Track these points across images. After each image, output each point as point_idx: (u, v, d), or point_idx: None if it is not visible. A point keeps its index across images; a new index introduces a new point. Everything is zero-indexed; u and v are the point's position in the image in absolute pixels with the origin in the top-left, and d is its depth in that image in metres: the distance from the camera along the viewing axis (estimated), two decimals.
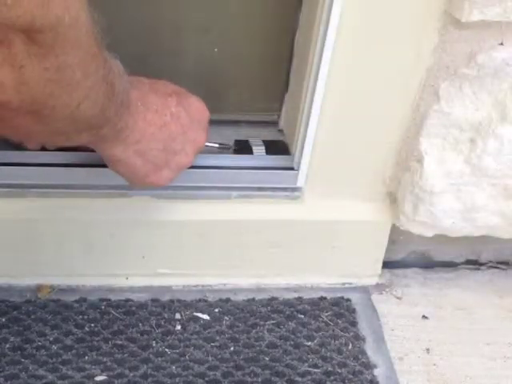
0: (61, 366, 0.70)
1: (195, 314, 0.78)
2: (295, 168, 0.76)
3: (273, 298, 0.81)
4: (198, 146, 0.67)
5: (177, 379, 0.71)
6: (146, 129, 0.61)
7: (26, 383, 0.68)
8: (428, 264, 0.90)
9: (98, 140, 0.57)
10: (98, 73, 0.48)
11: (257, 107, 0.81)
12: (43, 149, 0.72)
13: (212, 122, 0.68)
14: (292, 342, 0.76)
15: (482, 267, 0.91)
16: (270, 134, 0.80)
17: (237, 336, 0.76)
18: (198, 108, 0.66)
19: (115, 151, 0.60)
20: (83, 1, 0.42)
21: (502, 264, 0.92)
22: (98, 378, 0.70)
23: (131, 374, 0.70)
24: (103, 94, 0.50)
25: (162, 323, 0.76)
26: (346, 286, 0.85)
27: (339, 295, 0.83)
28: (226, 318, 0.78)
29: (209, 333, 0.76)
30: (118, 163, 0.62)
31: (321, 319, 0.79)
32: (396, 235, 0.84)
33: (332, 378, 0.73)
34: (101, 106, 0.50)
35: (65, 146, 0.59)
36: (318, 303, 0.81)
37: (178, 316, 0.77)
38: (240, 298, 0.81)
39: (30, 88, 0.42)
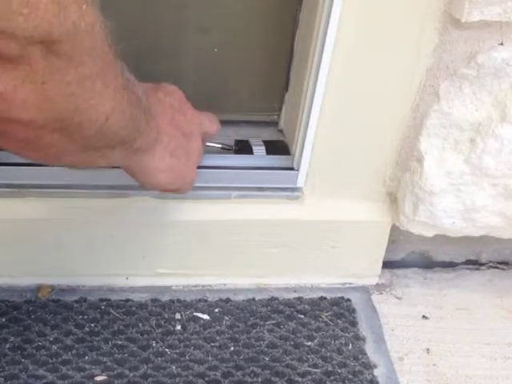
0: (61, 366, 0.70)
1: (195, 314, 0.78)
2: (295, 168, 0.76)
3: (273, 298, 0.81)
4: (199, 121, 0.67)
5: (177, 379, 0.71)
6: (166, 127, 0.60)
7: (26, 383, 0.68)
8: (428, 264, 0.90)
9: (133, 155, 0.54)
10: (118, 81, 0.46)
11: (257, 107, 0.81)
12: None
13: None
14: (292, 342, 0.76)
15: (482, 267, 0.91)
16: (269, 134, 0.80)
17: (237, 336, 0.76)
18: (175, 91, 0.66)
19: (155, 162, 0.58)
20: (97, 7, 0.41)
21: (502, 264, 0.92)
22: (98, 378, 0.70)
23: (131, 374, 0.70)
24: (128, 103, 0.48)
25: (162, 323, 0.76)
26: (346, 285, 0.85)
27: (339, 295, 0.83)
28: (226, 318, 0.78)
29: (209, 333, 0.76)
30: (162, 173, 0.60)
31: (321, 319, 0.79)
32: (396, 235, 0.84)
33: (332, 377, 0.73)
34: (129, 116, 0.49)
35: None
36: (318, 303, 0.81)
37: (178, 316, 0.77)
38: (240, 298, 0.81)
39: (53, 105, 0.41)
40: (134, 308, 0.77)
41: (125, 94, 0.47)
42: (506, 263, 0.92)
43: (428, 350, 0.78)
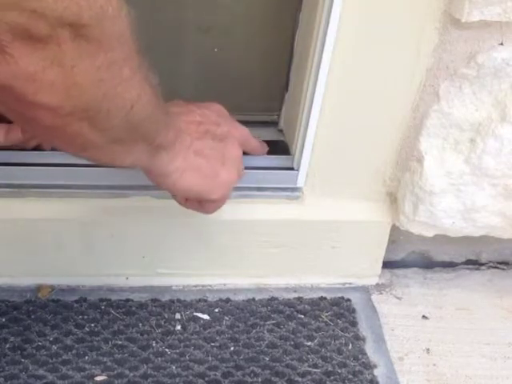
0: (61, 366, 0.70)
1: (195, 314, 0.78)
2: (295, 168, 0.76)
3: (273, 298, 0.81)
4: (237, 129, 0.67)
5: (177, 379, 0.71)
6: (188, 127, 0.60)
7: (26, 383, 0.68)
8: (428, 264, 0.90)
9: (155, 153, 0.54)
10: (142, 70, 0.46)
11: (257, 107, 0.81)
12: (43, 149, 0.72)
13: None
14: (292, 342, 0.76)
15: (482, 267, 0.91)
16: (269, 134, 0.80)
17: (237, 336, 0.76)
18: (212, 104, 0.67)
19: (178, 162, 0.57)
20: None
21: (502, 264, 0.92)
22: (98, 378, 0.70)
23: (131, 374, 0.70)
24: (151, 94, 0.48)
25: (162, 323, 0.76)
26: (346, 285, 0.85)
27: (339, 295, 0.83)
28: (226, 318, 0.78)
29: (209, 333, 0.76)
30: (185, 174, 0.59)
31: (321, 319, 0.79)
32: (396, 235, 0.84)
33: (332, 377, 0.73)
34: (152, 106, 0.49)
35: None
36: (318, 303, 0.81)
37: (178, 316, 0.77)
38: (240, 298, 0.81)
39: (83, 91, 0.40)
40: (133, 308, 0.77)
41: (147, 83, 0.47)
42: (506, 263, 0.92)
43: (428, 350, 0.78)
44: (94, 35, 0.39)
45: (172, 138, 0.56)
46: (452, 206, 0.76)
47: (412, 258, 0.89)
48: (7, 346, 0.72)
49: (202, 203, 0.65)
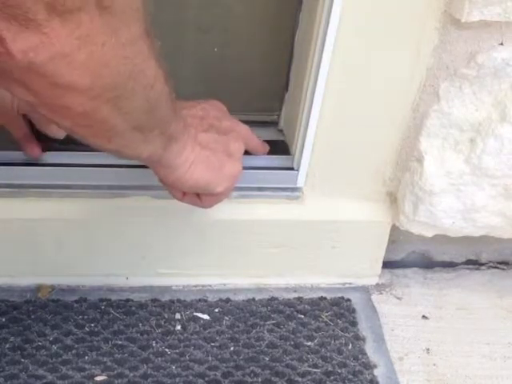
0: (61, 366, 0.70)
1: (195, 314, 0.78)
2: (295, 168, 0.76)
3: (273, 298, 0.81)
4: (238, 127, 0.68)
5: (177, 379, 0.71)
6: (193, 121, 0.61)
7: (26, 383, 0.68)
8: (428, 264, 0.90)
9: (168, 143, 0.55)
10: (155, 49, 0.46)
11: (257, 107, 0.81)
12: (44, 149, 0.72)
13: None
14: (292, 342, 0.76)
15: (482, 267, 0.91)
16: (269, 134, 0.80)
17: (237, 336, 0.76)
18: (215, 101, 0.68)
19: (187, 152, 0.58)
20: None
21: (502, 264, 0.91)
22: (98, 378, 0.70)
23: (131, 374, 0.70)
24: (163, 75, 0.48)
25: (162, 323, 0.76)
26: (346, 285, 0.85)
27: (339, 295, 0.83)
28: (226, 318, 0.78)
29: (209, 333, 0.76)
30: (193, 166, 0.59)
31: (321, 319, 0.79)
32: (396, 235, 0.84)
33: (332, 377, 0.73)
34: (167, 91, 0.49)
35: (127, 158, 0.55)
36: (318, 303, 0.81)
37: (178, 316, 0.77)
38: (240, 298, 0.81)
39: (111, 69, 0.40)
40: (133, 308, 0.77)
41: (159, 64, 0.47)
42: (506, 263, 0.92)
43: (428, 350, 0.78)
44: (118, 7, 0.39)
45: (181, 128, 0.57)
46: (452, 205, 0.76)
47: (412, 258, 0.89)
48: (7, 346, 0.72)
49: (201, 197, 0.65)
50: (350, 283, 0.85)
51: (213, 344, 0.75)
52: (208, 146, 0.61)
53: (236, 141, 0.66)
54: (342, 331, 0.78)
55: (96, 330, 0.74)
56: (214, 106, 0.66)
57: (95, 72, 0.40)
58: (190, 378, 0.71)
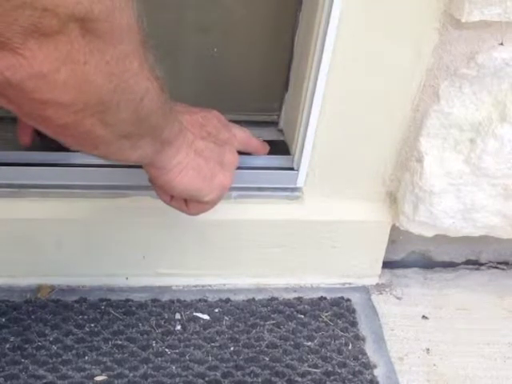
0: (61, 366, 0.70)
1: (195, 314, 0.78)
2: (295, 168, 0.76)
3: (273, 298, 0.81)
4: (234, 131, 0.68)
5: (177, 379, 0.71)
6: (192, 127, 0.61)
7: (26, 383, 0.68)
8: (428, 264, 0.90)
9: (160, 148, 0.54)
10: (149, 62, 0.46)
11: (257, 107, 0.81)
12: (44, 149, 0.72)
13: None
14: (292, 342, 0.76)
15: (482, 267, 0.91)
16: (270, 134, 0.80)
17: (237, 336, 0.76)
18: (211, 110, 0.67)
19: (180, 157, 0.58)
20: None
21: (502, 264, 0.92)
22: (98, 378, 0.70)
23: (131, 374, 0.70)
24: (158, 87, 0.48)
25: (162, 323, 0.76)
26: (346, 286, 0.85)
27: (339, 295, 0.83)
28: (226, 318, 0.78)
29: (209, 333, 0.76)
30: (185, 171, 0.59)
31: (321, 319, 0.79)
32: (396, 235, 0.84)
33: (332, 377, 0.73)
34: (160, 99, 0.49)
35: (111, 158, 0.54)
36: (318, 303, 0.81)
37: (178, 316, 0.77)
38: (240, 298, 0.81)
39: (95, 86, 0.40)
40: (133, 308, 0.77)
41: (154, 76, 0.48)
42: (506, 263, 0.92)
43: (428, 349, 0.78)
44: (103, 29, 0.39)
45: (176, 132, 0.57)
46: (452, 205, 0.76)
47: (412, 258, 0.89)
48: (7, 346, 0.72)
49: (188, 203, 0.65)
50: (349, 283, 0.85)
51: (213, 344, 0.75)
52: (203, 153, 0.61)
53: (231, 153, 0.66)
54: (342, 331, 0.78)
55: (96, 330, 0.74)
56: (214, 116, 0.66)
57: (77, 88, 0.40)
58: (190, 378, 0.71)
